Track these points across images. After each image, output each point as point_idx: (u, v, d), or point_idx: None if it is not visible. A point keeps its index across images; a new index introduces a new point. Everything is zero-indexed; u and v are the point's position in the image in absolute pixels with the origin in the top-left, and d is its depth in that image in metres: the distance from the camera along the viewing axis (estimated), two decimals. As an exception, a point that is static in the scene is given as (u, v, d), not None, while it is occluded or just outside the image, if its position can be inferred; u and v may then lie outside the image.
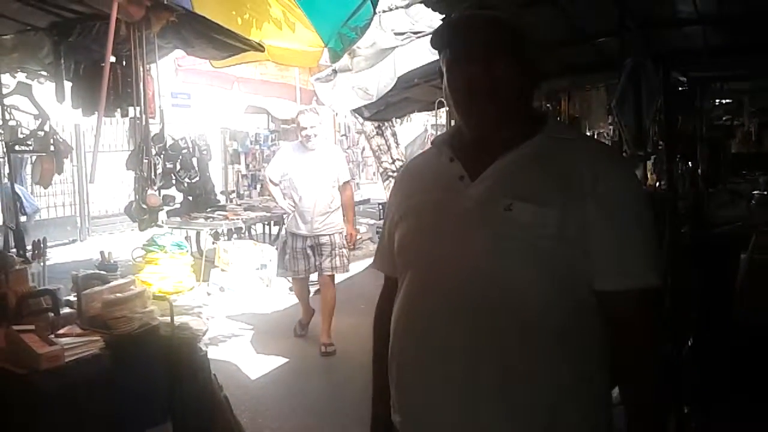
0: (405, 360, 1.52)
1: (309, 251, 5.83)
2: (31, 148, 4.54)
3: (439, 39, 1.51)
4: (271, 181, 6.11)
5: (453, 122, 6.57)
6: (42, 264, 4.89)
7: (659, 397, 1.45)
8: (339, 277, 8.67)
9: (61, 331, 2.89)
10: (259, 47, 4.23)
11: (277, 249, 6.24)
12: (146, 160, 3.68)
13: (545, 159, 1.43)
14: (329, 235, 5.83)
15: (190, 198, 8.90)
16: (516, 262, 1.36)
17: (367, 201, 12.49)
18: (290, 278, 6.20)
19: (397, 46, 6.36)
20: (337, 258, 5.89)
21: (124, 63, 3.70)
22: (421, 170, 1.65)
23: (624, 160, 1.54)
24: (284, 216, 6.47)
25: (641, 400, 1.42)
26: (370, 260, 10.83)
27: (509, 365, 1.36)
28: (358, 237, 11.56)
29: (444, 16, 4.24)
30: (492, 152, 1.45)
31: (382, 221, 10.81)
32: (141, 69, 3.60)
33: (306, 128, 5.80)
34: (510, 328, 1.36)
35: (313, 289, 6.42)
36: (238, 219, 8.73)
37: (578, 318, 1.39)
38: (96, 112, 3.52)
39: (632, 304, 1.39)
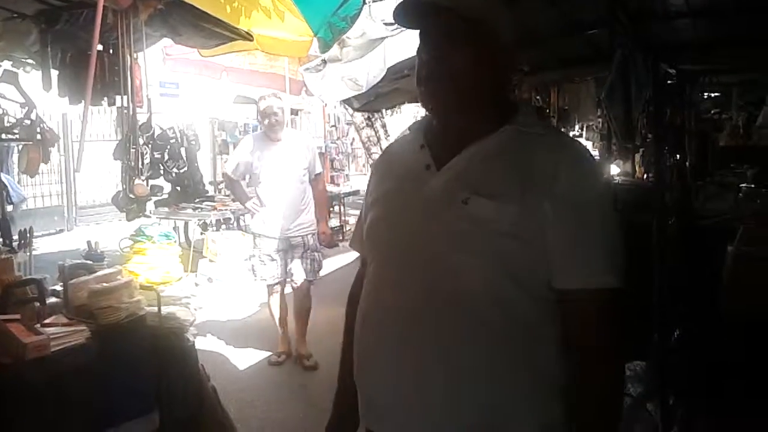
0: (363, 350, 1.53)
1: (280, 254, 5.22)
2: (17, 136, 4.51)
3: (398, 19, 1.50)
4: (230, 178, 5.47)
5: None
6: (28, 253, 4.85)
7: (614, 401, 1.42)
8: (327, 268, 8.62)
9: (47, 321, 2.87)
10: (247, 36, 4.21)
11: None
12: (134, 150, 3.67)
13: (509, 153, 1.40)
14: (302, 236, 5.24)
15: (178, 188, 8.86)
16: (471, 257, 1.35)
17: (356, 192, 12.48)
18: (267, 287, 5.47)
19: (386, 37, 6.34)
20: (309, 261, 5.27)
21: (111, 51, 3.67)
22: (396, 155, 1.65)
23: (589, 158, 1.50)
24: (250, 216, 5.80)
25: (592, 401, 1.38)
26: (358, 253, 10.91)
27: (462, 360, 1.35)
28: (347, 228, 11.60)
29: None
30: (459, 142, 1.44)
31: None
32: (128, 57, 3.58)
33: (269, 115, 5.14)
34: (464, 323, 1.35)
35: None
36: (226, 209, 8.70)
37: (534, 316, 1.37)
38: (83, 101, 3.49)
39: (588, 305, 1.36)
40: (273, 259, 5.19)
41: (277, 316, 5.47)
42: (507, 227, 1.33)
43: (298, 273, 5.22)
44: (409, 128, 1.63)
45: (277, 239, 5.15)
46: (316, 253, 5.31)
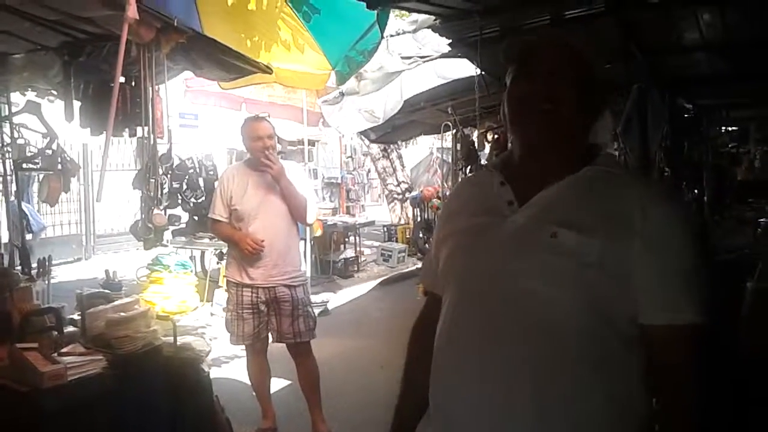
0: (443, 377, 1.53)
1: (262, 307, 4.27)
2: (38, 166, 4.58)
3: (509, 52, 1.53)
4: (218, 221, 4.36)
5: (459, 146, 6.60)
6: (47, 282, 4.89)
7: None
8: (342, 299, 8.57)
9: (64, 350, 2.89)
10: (267, 69, 4.27)
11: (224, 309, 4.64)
12: (153, 180, 3.69)
13: (593, 191, 1.44)
14: (290, 287, 4.26)
15: (196, 218, 8.92)
16: (560, 289, 1.37)
17: (371, 223, 12.50)
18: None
19: (403, 70, 6.42)
20: (301, 320, 4.27)
21: (133, 83, 3.73)
22: (472, 191, 1.68)
23: (672, 198, 1.55)
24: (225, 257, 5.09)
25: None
26: (374, 282, 10.73)
27: (544, 388, 1.37)
28: (362, 259, 11.60)
29: (451, 41, 4.30)
30: (541, 180, 1.47)
31: (387, 243, 10.71)
32: (150, 90, 3.63)
33: (261, 138, 4.19)
34: (547, 352, 1.37)
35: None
36: (242, 239, 8.70)
37: (619, 350, 1.40)
38: (104, 132, 3.54)
39: (673, 341, 1.40)
40: (254, 313, 4.28)
41: (256, 383, 4.56)
42: (596, 259, 1.36)
43: (287, 333, 4.29)
44: (486, 165, 1.68)
45: (260, 288, 4.25)
46: (308, 308, 4.38)
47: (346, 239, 11.54)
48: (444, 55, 5.84)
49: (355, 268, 11.04)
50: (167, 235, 6.53)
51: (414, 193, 13.14)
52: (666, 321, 1.39)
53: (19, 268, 4.47)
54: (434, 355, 1.57)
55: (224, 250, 8.12)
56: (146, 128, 3.69)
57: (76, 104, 4.05)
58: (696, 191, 6.10)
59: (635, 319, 1.39)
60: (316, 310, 5.06)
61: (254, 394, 4.63)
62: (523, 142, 1.53)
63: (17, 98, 4.79)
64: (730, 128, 9.92)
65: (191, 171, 8.66)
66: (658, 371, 1.42)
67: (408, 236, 12.68)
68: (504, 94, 1.54)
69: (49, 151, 4.47)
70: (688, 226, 1.48)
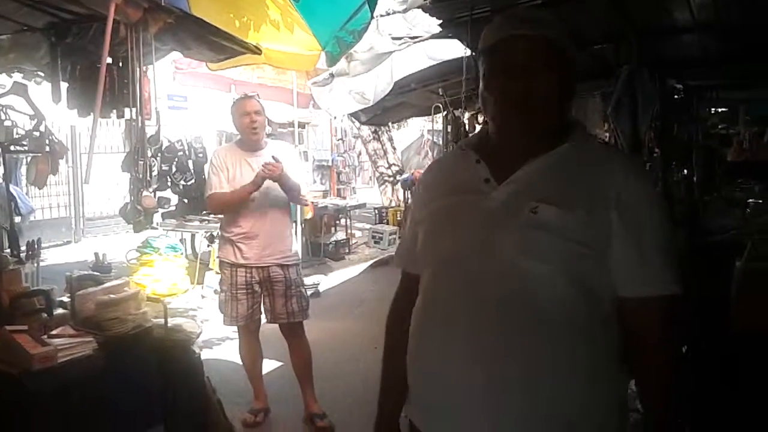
0: (426, 357, 1.53)
1: (256, 287, 4.27)
2: (26, 148, 4.54)
3: (485, 40, 1.53)
4: (216, 194, 4.25)
5: (450, 128, 6.61)
6: (36, 264, 4.88)
7: (676, 400, 1.51)
8: (333, 281, 8.59)
9: (54, 332, 2.88)
10: (256, 50, 4.23)
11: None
12: (142, 162, 3.66)
13: (571, 167, 1.47)
14: (284, 267, 4.27)
15: (186, 200, 8.90)
16: (543, 264, 1.39)
17: (363, 205, 12.49)
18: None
19: (394, 51, 6.39)
20: (294, 299, 4.28)
21: (120, 64, 3.69)
22: (446, 170, 1.70)
23: (645, 172, 1.59)
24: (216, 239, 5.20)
25: (659, 403, 1.48)
26: (365, 265, 10.74)
27: (531, 363, 1.38)
28: (353, 241, 11.60)
29: (441, 21, 4.28)
30: (519, 157, 1.49)
31: (378, 225, 10.71)
32: (138, 71, 3.59)
33: (249, 114, 4.20)
34: (532, 326, 1.39)
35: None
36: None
37: (598, 320, 1.43)
38: (92, 113, 3.51)
39: (652, 311, 1.45)
40: (248, 294, 4.28)
41: (248, 364, 4.56)
42: (577, 234, 1.39)
43: (280, 313, 4.30)
44: (459, 145, 1.69)
45: (253, 268, 4.25)
46: (301, 289, 4.39)
47: (337, 222, 11.52)
48: (434, 36, 5.81)
49: (346, 251, 11.04)
50: (157, 217, 6.51)
51: (405, 176, 13.11)
52: (650, 293, 1.43)
53: (8, 250, 4.45)
54: (413, 332, 1.57)
55: (215, 233, 8.14)
56: (134, 110, 3.66)
57: (64, 85, 4.00)
58: (686, 172, 6.12)
59: (614, 293, 1.44)
60: (308, 292, 4.95)
61: (246, 375, 4.63)
62: (502, 132, 1.55)
63: (4, 80, 4.73)
64: (720, 109, 9.95)
65: (181, 153, 8.63)
66: (636, 342, 1.47)
67: (399, 218, 12.67)
68: (482, 83, 1.54)
69: (37, 133, 4.42)
70: (662, 200, 1.53)
